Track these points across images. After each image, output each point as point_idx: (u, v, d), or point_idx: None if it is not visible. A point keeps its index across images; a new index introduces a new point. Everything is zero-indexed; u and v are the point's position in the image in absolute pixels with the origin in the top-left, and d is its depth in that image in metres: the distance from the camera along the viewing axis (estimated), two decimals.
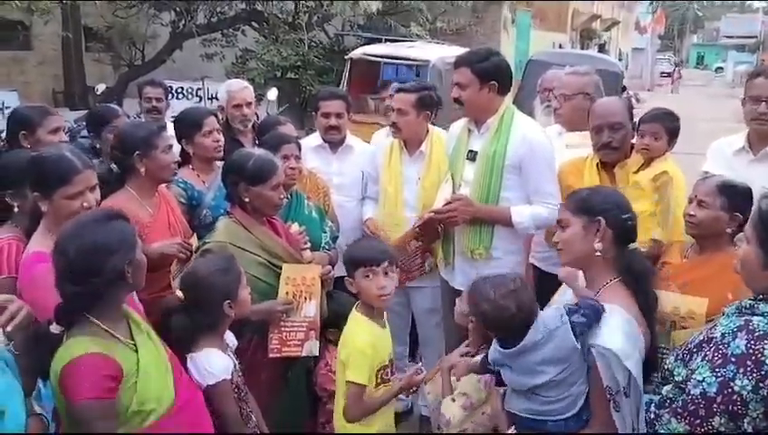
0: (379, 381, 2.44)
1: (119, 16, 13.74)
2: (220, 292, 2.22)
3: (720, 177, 2.51)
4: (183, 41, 13.85)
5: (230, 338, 2.42)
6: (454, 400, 2.38)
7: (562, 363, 1.91)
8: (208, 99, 10.25)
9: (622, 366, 1.83)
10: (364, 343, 2.37)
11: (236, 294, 2.25)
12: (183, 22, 13.27)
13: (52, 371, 1.75)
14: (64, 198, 2.17)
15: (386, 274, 2.39)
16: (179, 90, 11.05)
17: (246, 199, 2.61)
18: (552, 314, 1.97)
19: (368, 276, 2.38)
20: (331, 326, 2.92)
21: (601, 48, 31.69)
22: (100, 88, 9.05)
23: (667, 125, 3.04)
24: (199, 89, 10.89)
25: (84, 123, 4.05)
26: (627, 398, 1.84)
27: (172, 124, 3.51)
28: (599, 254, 2.02)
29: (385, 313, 2.55)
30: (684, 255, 2.52)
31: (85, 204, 2.19)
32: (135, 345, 1.87)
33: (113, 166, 2.66)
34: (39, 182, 2.19)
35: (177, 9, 13.22)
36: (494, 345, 2.05)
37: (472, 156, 3.13)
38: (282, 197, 2.67)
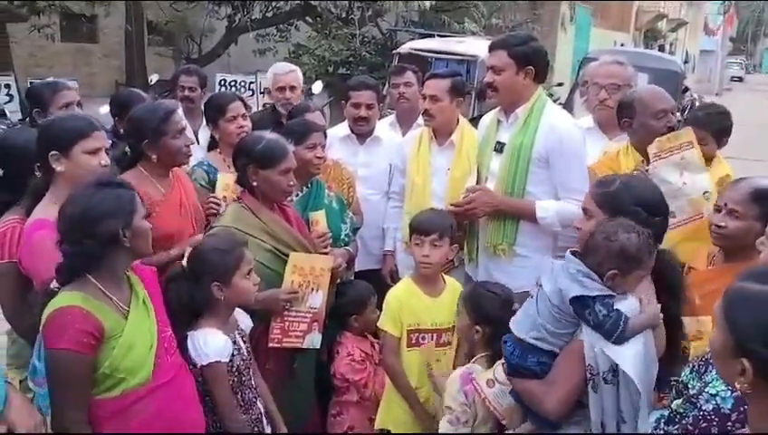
0: (412, 342, 2.63)
1: (177, 9, 14.10)
2: (210, 270, 2.18)
3: (752, 181, 2.22)
4: (238, 35, 14.11)
5: (245, 321, 2.38)
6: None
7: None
8: (260, 92, 10.41)
9: (604, 354, 1.76)
10: (391, 296, 2.68)
11: (229, 278, 2.19)
12: (239, 16, 13.51)
13: (42, 322, 1.78)
14: (84, 153, 2.17)
15: (433, 245, 2.59)
16: (233, 82, 11.28)
17: (255, 183, 2.55)
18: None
19: (417, 244, 2.62)
20: (352, 314, 2.90)
21: (661, 49, 30.45)
22: (154, 78, 9.28)
23: (714, 128, 2.82)
24: (252, 82, 11.08)
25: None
26: (607, 385, 1.77)
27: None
28: None
29: (449, 282, 2.75)
30: (710, 261, 2.31)
31: (102, 162, 2.20)
32: (128, 313, 1.88)
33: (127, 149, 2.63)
34: (57, 139, 2.18)
35: (234, 3, 13.46)
36: (565, 265, 1.90)
37: (499, 147, 2.99)
38: (291, 183, 2.60)
